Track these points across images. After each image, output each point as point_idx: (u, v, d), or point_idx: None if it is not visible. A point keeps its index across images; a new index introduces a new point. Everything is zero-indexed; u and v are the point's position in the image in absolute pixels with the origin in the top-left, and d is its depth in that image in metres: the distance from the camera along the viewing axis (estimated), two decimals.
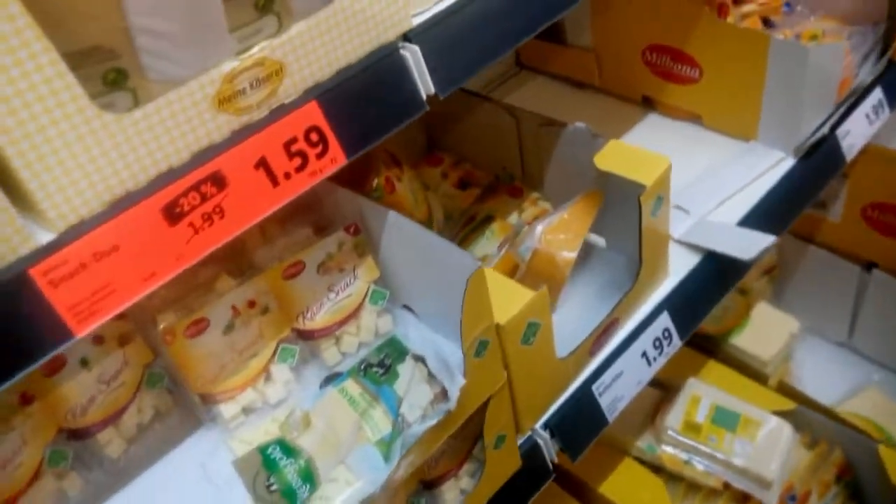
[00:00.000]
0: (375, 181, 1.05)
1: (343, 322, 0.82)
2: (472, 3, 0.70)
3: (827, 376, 1.51)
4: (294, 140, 0.61)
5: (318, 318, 0.80)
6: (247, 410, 0.77)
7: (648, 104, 1.37)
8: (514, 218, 1.14)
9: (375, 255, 0.85)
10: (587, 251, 1.13)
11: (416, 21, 0.69)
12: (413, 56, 0.67)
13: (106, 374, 0.74)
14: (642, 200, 0.92)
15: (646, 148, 1.30)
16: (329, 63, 0.62)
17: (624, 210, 0.97)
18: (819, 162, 1.21)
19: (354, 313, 0.82)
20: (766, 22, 1.37)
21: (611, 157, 0.98)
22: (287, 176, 0.61)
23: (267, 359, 0.77)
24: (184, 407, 0.81)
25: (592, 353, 0.97)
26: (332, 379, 0.79)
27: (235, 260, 0.82)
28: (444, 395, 0.73)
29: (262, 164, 0.59)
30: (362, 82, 0.64)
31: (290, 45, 0.59)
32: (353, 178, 1.07)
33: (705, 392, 1.26)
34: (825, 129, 1.16)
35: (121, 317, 0.76)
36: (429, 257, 0.77)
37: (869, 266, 1.44)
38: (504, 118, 1.13)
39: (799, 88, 1.13)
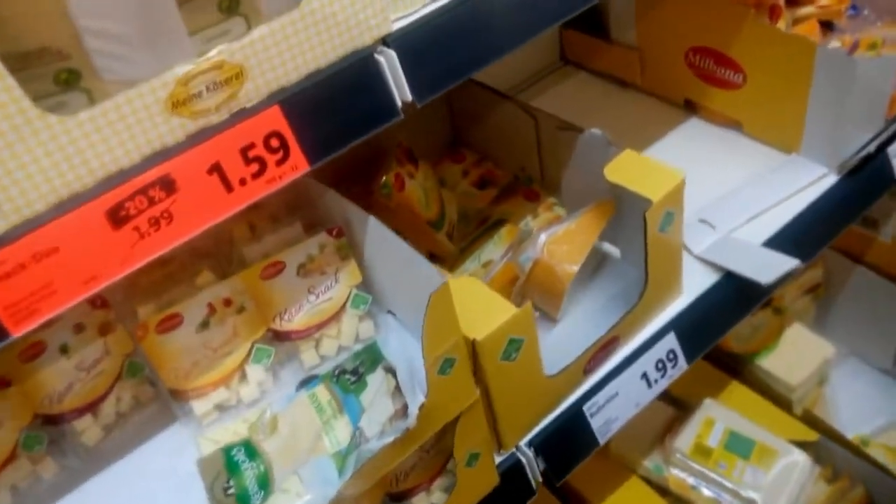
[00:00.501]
0: (384, 178, 1.03)
1: (322, 325, 0.81)
2: (460, 8, 0.67)
3: (866, 403, 1.42)
4: (252, 145, 0.60)
5: (297, 320, 0.80)
6: (220, 408, 0.78)
7: (690, 108, 1.31)
8: (526, 223, 1.11)
9: (360, 259, 0.84)
10: (600, 261, 1.09)
11: (398, 25, 0.66)
12: (389, 62, 0.65)
13: (85, 362, 0.75)
14: (648, 216, 0.88)
15: (680, 153, 1.26)
16: (296, 67, 0.61)
17: (637, 222, 0.93)
18: (864, 181, 1.13)
19: (335, 317, 0.81)
20: (828, 26, 1.28)
21: (622, 168, 0.93)
22: (242, 182, 0.60)
23: (241, 358, 0.77)
24: (164, 398, 0.83)
25: (587, 371, 0.93)
26: (308, 381, 0.79)
27: (223, 254, 0.83)
28: (405, 410, 0.72)
29: (216, 169, 0.59)
30: (332, 88, 0.62)
31: (251, 48, 0.58)
32: (365, 173, 1.06)
33: (721, 415, 1.20)
34: (871, 148, 1.08)
35: (103, 305, 0.78)
36: (404, 267, 0.75)
37: None
38: (523, 119, 1.09)
39: (845, 102, 1.05)
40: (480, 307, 0.79)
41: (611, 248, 1.10)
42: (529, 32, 0.72)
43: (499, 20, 0.70)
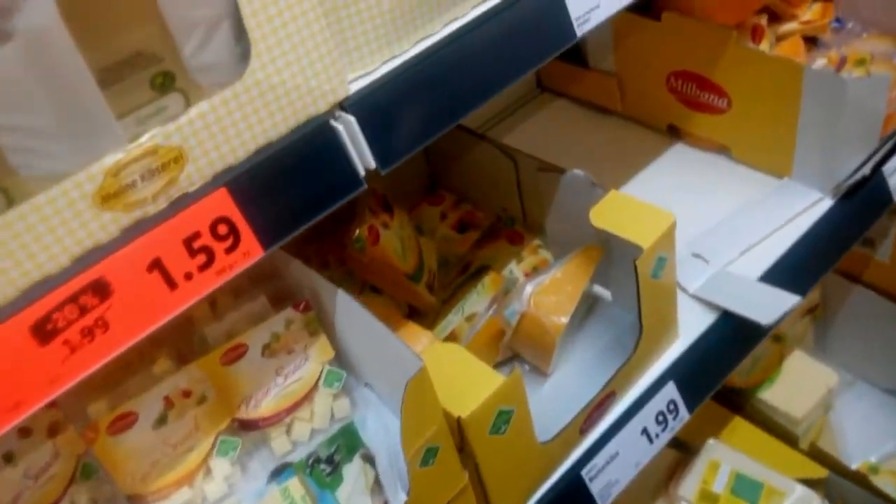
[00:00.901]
0: (357, 232, 0.97)
1: (293, 408, 0.74)
2: (424, 63, 0.62)
3: (873, 427, 1.37)
4: (197, 235, 0.53)
5: (264, 406, 0.73)
6: None
7: (674, 133, 1.26)
8: (510, 268, 1.05)
9: (332, 331, 0.77)
10: (591, 305, 1.03)
11: (356, 87, 0.60)
12: (348, 128, 0.59)
13: (33, 469, 0.68)
14: (639, 264, 0.82)
15: (667, 181, 1.20)
16: (243, 143, 0.55)
17: (628, 265, 0.87)
18: (860, 203, 1.07)
19: (307, 397, 0.75)
20: (814, 41, 1.23)
21: (609, 211, 0.87)
22: (188, 277, 0.53)
23: (205, 453, 0.70)
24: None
25: (583, 431, 0.87)
26: (280, 472, 0.72)
27: (182, 336, 0.76)
28: None
29: (157, 265, 0.52)
30: (285, 162, 0.56)
31: (190, 127, 0.52)
32: (338, 221, 1.00)
33: (726, 457, 1.14)
34: (866, 170, 1.03)
35: (52, 405, 0.70)
36: (378, 345, 0.68)
37: None
38: (502, 160, 1.03)
39: (837, 124, 1.00)
40: (464, 378, 0.73)
41: (601, 291, 1.04)
42: (502, 82, 0.66)
43: (469, 72, 0.64)
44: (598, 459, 0.87)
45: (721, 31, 1.04)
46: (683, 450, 1.20)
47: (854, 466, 1.31)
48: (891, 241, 1.26)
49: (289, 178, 0.57)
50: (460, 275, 1.08)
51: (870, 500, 1.10)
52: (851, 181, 1.04)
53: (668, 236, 0.85)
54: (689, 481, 1.12)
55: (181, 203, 0.53)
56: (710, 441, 1.17)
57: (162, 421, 0.69)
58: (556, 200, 1.00)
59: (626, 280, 0.90)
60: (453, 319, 1.00)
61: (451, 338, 0.98)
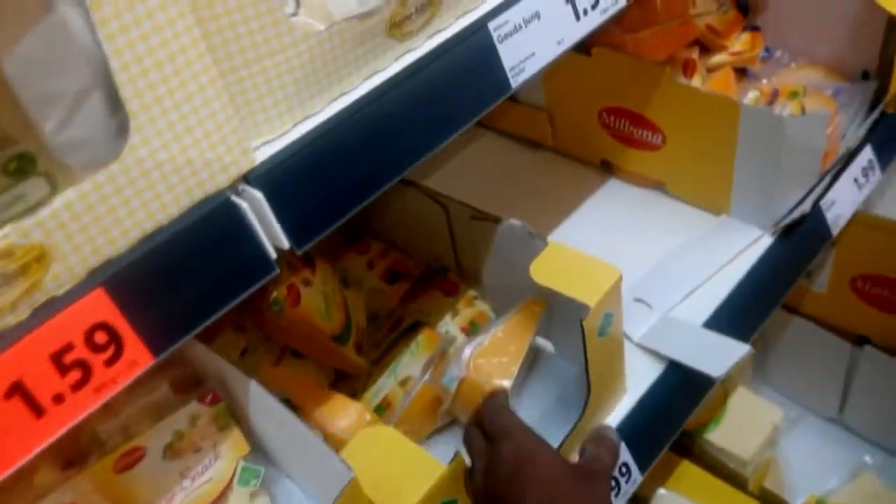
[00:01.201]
0: (275, 294, 0.88)
1: None
2: (342, 125, 0.54)
3: (818, 458, 1.36)
4: (69, 347, 0.44)
5: None
6: None
7: (608, 168, 1.21)
8: (445, 323, 0.97)
9: (246, 420, 0.68)
10: (534, 357, 0.97)
11: (262, 155, 0.52)
12: (253, 204, 0.50)
13: None
14: (586, 325, 0.75)
15: (603, 219, 1.15)
16: (124, 232, 0.46)
17: (571, 319, 0.81)
18: (801, 240, 1.05)
19: (220, 498, 0.66)
20: (744, 72, 1.21)
21: (550, 265, 0.81)
22: (59, 399, 0.44)
23: None
24: None
25: None
26: None
27: (70, 435, 0.65)
28: None
29: (18, 389, 0.42)
30: (178, 249, 0.47)
31: (54, 221, 0.42)
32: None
33: None
34: (806, 207, 1.00)
35: None
36: (301, 447, 0.60)
37: (860, 340, 1.28)
38: (432, 207, 0.96)
39: (775, 161, 0.97)
40: (401, 468, 0.65)
41: (543, 342, 0.98)
42: (430, 142, 0.59)
43: (392, 133, 0.56)
44: None
45: (653, 68, 1.00)
46: (631, 500, 1.14)
47: (800, 501, 1.29)
48: (827, 273, 1.25)
49: (183, 268, 0.48)
50: (392, 331, 1.00)
51: None
52: (791, 218, 1.01)
53: (615, 292, 0.79)
54: None
55: (48, 310, 0.43)
56: (661, 491, 1.12)
57: None
58: (491, 250, 0.93)
59: (570, 333, 0.84)
60: (386, 383, 0.92)
61: (385, 404, 0.90)
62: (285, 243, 0.52)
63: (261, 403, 0.64)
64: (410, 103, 0.57)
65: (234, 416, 0.68)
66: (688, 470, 1.17)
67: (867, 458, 1.34)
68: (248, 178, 0.50)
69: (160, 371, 0.70)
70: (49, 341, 0.43)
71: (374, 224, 1.10)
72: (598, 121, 1.14)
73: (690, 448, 1.20)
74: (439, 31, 0.60)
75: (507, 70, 0.62)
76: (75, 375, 0.44)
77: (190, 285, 0.48)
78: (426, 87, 0.58)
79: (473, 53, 0.60)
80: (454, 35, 0.60)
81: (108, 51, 0.40)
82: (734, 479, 1.15)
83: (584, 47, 1.07)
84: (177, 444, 0.64)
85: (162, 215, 0.47)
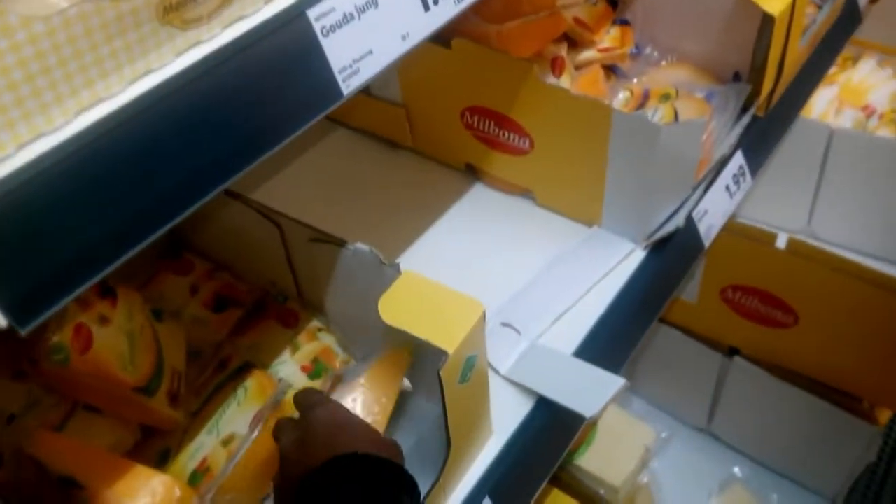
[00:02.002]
0: (55, 338, 0.70)
1: None
2: (91, 145, 0.38)
3: (688, 473, 1.32)
4: None
5: None
6: None
7: (473, 172, 1.10)
8: (283, 362, 0.82)
9: None
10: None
11: None
12: None
13: None
14: (444, 374, 0.63)
15: (467, 229, 1.03)
16: None
17: (428, 363, 0.69)
18: (673, 254, 0.98)
19: None
20: (613, 69, 1.12)
21: (403, 298, 0.68)
22: None
23: None
24: None
25: None
26: None
27: None
28: None
29: None
30: None
31: None
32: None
33: None
34: (680, 220, 0.93)
35: None
36: None
37: (731, 351, 1.24)
38: (264, 225, 0.81)
39: (648, 170, 0.89)
40: None
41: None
42: (228, 171, 0.44)
43: (172, 156, 0.41)
44: None
45: (519, 65, 0.88)
46: None
47: None
48: (697, 282, 1.20)
49: None
50: (217, 373, 0.84)
51: None
52: (664, 232, 0.94)
53: (478, 331, 0.67)
54: None
55: None
56: None
57: None
58: (335, 277, 0.79)
59: (427, 374, 0.72)
60: (206, 441, 0.76)
61: (203, 469, 0.74)
62: (2, 322, 0.36)
63: None
64: (197, 115, 0.42)
65: None
66: (557, 499, 1.08)
67: (736, 470, 1.31)
68: None
69: None
70: None
71: (195, 238, 0.92)
72: (461, 121, 1.02)
73: (559, 475, 1.12)
74: (241, 19, 0.45)
75: (336, 72, 0.48)
76: None
77: None
78: (221, 92, 0.43)
79: (288, 49, 0.46)
80: (261, 24, 0.45)
81: None
82: None
83: (443, 37, 0.94)
84: None
85: None
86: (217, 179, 0.43)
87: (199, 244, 0.93)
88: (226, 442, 0.75)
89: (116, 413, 0.75)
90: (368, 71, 0.50)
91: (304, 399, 0.68)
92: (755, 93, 1.02)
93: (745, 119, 1.03)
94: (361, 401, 0.72)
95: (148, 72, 0.42)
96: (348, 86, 0.49)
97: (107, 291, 0.77)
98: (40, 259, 0.37)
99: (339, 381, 0.78)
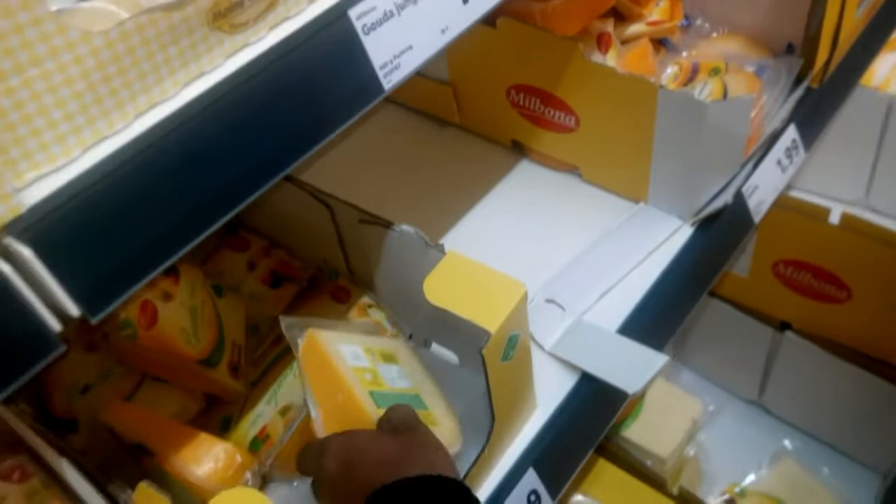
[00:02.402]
0: (124, 314, 0.75)
1: None
2: (151, 147, 0.41)
3: (738, 445, 1.32)
4: None
5: None
6: None
7: (519, 149, 1.11)
8: None
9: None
10: (438, 370, 0.87)
11: (36, 194, 0.39)
12: (22, 267, 0.38)
13: None
14: (486, 353, 0.66)
15: (513, 206, 1.05)
16: None
17: (472, 340, 0.71)
18: (721, 230, 0.97)
19: None
20: (662, 42, 1.11)
21: (446, 279, 0.70)
22: None
23: None
24: None
25: None
26: None
27: None
28: None
29: None
30: None
31: None
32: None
33: None
34: (728, 197, 0.92)
35: None
36: None
37: (782, 325, 1.23)
38: (316, 206, 0.84)
39: (695, 148, 0.88)
40: None
41: (447, 355, 0.88)
42: (277, 166, 0.47)
43: (225, 155, 0.44)
44: None
45: (564, 44, 0.89)
46: None
47: (721, 489, 1.25)
48: (749, 256, 1.19)
49: None
50: (274, 346, 0.88)
51: None
52: (712, 208, 0.93)
53: (519, 311, 0.69)
54: None
55: None
56: (577, 497, 1.06)
57: None
58: (383, 257, 0.82)
59: (472, 350, 0.75)
60: (265, 411, 0.81)
61: (263, 437, 0.79)
62: (73, 311, 0.40)
63: (77, 483, 0.52)
64: (248, 113, 0.45)
65: (57, 486, 0.56)
66: (604, 469, 1.11)
67: (786, 443, 1.31)
68: (13, 231, 0.37)
69: None
70: None
71: (251, 217, 0.97)
72: (507, 99, 1.03)
73: (606, 446, 1.14)
74: (286, 20, 0.48)
75: (378, 68, 0.50)
76: None
77: None
78: (269, 91, 0.46)
79: (331, 48, 0.48)
80: (305, 25, 0.47)
81: None
82: (652, 478, 1.10)
83: (488, 17, 0.95)
84: None
85: None
86: (268, 174, 0.46)
87: (255, 223, 0.97)
88: (283, 411, 0.79)
89: (181, 383, 0.81)
90: (409, 66, 0.52)
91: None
92: (809, 64, 1.00)
93: (798, 92, 1.01)
94: None
95: (200, 75, 0.45)
96: (389, 81, 0.51)
97: (170, 269, 0.81)
98: (108, 254, 0.40)
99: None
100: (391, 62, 0.51)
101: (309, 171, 1.07)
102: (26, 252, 0.37)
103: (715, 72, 1.00)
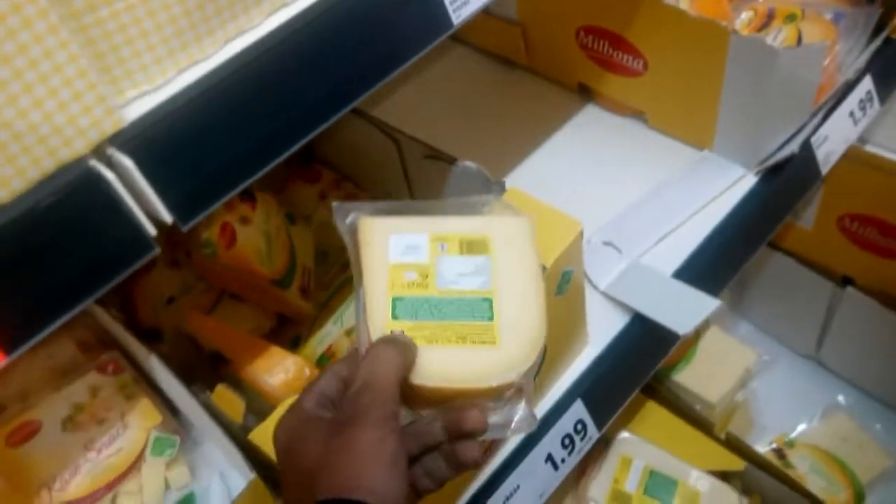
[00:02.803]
0: (205, 234, 0.81)
1: (115, 483, 0.60)
2: (238, 71, 0.45)
3: (791, 397, 1.33)
4: None
5: (75, 486, 0.59)
6: None
7: (585, 92, 1.11)
8: None
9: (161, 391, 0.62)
10: None
11: (135, 111, 0.43)
12: (123, 175, 0.42)
13: None
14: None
15: (577, 149, 1.06)
16: None
17: None
18: (786, 181, 0.97)
19: (132, 469, 0.61)
20: None
21: None
22: None
23: None
24: None
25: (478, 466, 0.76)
26: None
27: None
28: None
29: None
30: (26, 231, 0.40)
31: None
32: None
33: (638, 451, 1.06)
34: (795, 147, 0.91)
35: None
36: (212, 432, 0.54)
37: (844, 280, 1.22)
38: (384, 141, 0.87)
39: (765, 95, 0.88)
40: None
41: None
42: (348, 93, 0.50)
43: (302, 80, 0.48)
44: (497, 497, 0.76)
45: None
46: None
47: (770, 439, 1.27)
48: (814, 209, 1.17)
49: (35, 253, 0.40)
50: (342, 271, 0.93)
51: (786, 493, 1.05)
52: (778, 157, 0.93)
53: (575, 248, 0.72)
54: (600, 480, 1.04)
55: None
56: (623, 434, 1.09)
57: None
58: (446, 192, 0.85)
59: None
60: (332, 331, 0.86)
61: (329, 354, 0.85)
62: (167, 217, 0.44)
63: (167, 381, 0.58)
64: (326, 43, 0.48)
65: (144, 382, 0.62)
66: (652, 411, 1.13)
67: (840, 398, 1.31)
68: (115, 142, 0.42)
69: (64, 331, 0.64)
70: None
71: (322, 150, 1.01)
72: (576, 40, 1.03)
73: (657, 388, 1.16)
74: None
75: (448, 3, 0.53)
76: None
77: (45, 272, 0.41)
78: (344, 23, 0.49)
79: None
80: None
81: None
82: (700, 422, 1.12)
83: None
84: (77, 416, 0.58)
85: (2, 192, 0.39)
86: (342, 102, 0.49)
87: (326, 155, 1.01)
88: (349, 332, 0.85)
89: (256, 302, 0.87)
90: (478, 1, 0.54)
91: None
92: (889, 14, 0.97)
93: (877, 43, 0.98)
94: None
95: (283, 5, 0.48)
96: (458, 16, 0.53)
97: (247, 195, 0.87)
98: (198, 167, 0.45)
99: None
100: None
101: (379, 107, 1.10)
102: (127, 162, 0.42)
103: (791, 18, 0.98)
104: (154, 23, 0.42)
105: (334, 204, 0.60)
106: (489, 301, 0.57)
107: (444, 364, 0.53)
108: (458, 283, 0.57)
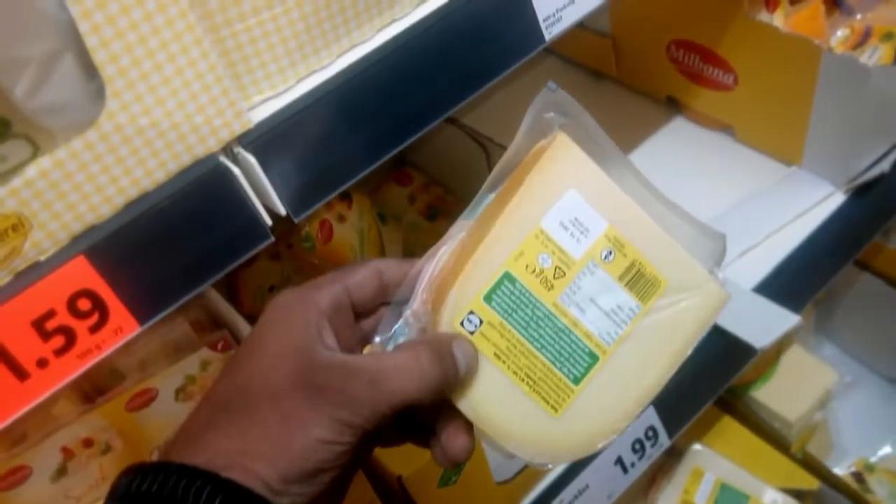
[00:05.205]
0: (306, 229, 0.87)
1: None
2: (350, 81, 0.50)
3: (872, 421, 1.29)
4: (51, 313, 0.43)
5: None
6: None
7: (674, 105, 1.13)
8: None
9: None
10: None
11: (260, 114, 0.49)
12: (246, 169, 0.48)
13: None
14: None
15: (664, 161, 1.08)
16: (106, 199, 0.44)
17: None
18: (876, 200, 0.96)
19: None
20: (837, 4, 1.08)
21: None
22: (42, 364, 0.44)
23: None
24: None
25: None
26: None
27: (92, 370, 0.67)
28: None
29: (1, 354, 0.42)
30: (164, 217, 0.46)
31: (28, 190, 0.41)
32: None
33: (711, 464, 1.06)
34: (885, 166, 0.91)
35: None
36: None
37: None
38: (472, 147, 0.92)
39: (855, 113, 0.87)
40: None
41: None
42: (447, 102, 0.54)
43: (406, 89, 0.52)
44: (565, 495, 0.79)
45: (729, 0, 0.90)
46: (665, 452, 1.12)
47: (849, 462, 1.24)
48: None
49: (169, 235, 0.46)
50: None
51: None
52: (868, 176, 0.92)
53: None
54: (670, 492, 1.05)
55: (29, 277, 0.43)
56: (696, 446, 1.09)
57: (61, 472, 0.61)
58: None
59: None
60: None
61: None
62: (281, 209, 0.50)
63: None
64: (429, 56, 0.53)
65: None
66: (728, 426, 1.13)
67: None
68: (241, 141, 0.47)
69: (180, 311, 0.70)
70: (30, 307, 0.43)
71: (414, 154, 1.06)
72: (667, 53, 1.05)
73: (734, 404, 1.16)
74: None
75: (541, 20, 0.56)
76: (58, 341, 0.44)
77: (176, 253, 0.47)
78: (447, 39, 0.53)
79: (503, 2, 0.54)
80: None
81: (74, 13, 0.38)
82: (776, 440, 1.12)
83: None
84: (189, 387, 0.64)
85: (147, 181, 0.45)
86: (440, 110, 0.53)
87: (418, 160, 1.06)
88: None
89: None
90: (570, 18, 0.58)
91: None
92: None
93: None
94: None
95: (392, 21, 0.53)
96: (550, 32, 0.57)
97: (344, 195, 0.93)
98: (311, 166, 0.50)
99: None
100: (554, 15, 0.56)
101: (469, 115, 1.14)
102: (251, 159, 0.47)
103: (888, 37, 0.97)
104: (280, 37, 0.48)
105: (552, 85, 0.46)
106: (595, 359, 0.44)
107: (489, 399, 0.42)
108: (584, 312, 0.44)
